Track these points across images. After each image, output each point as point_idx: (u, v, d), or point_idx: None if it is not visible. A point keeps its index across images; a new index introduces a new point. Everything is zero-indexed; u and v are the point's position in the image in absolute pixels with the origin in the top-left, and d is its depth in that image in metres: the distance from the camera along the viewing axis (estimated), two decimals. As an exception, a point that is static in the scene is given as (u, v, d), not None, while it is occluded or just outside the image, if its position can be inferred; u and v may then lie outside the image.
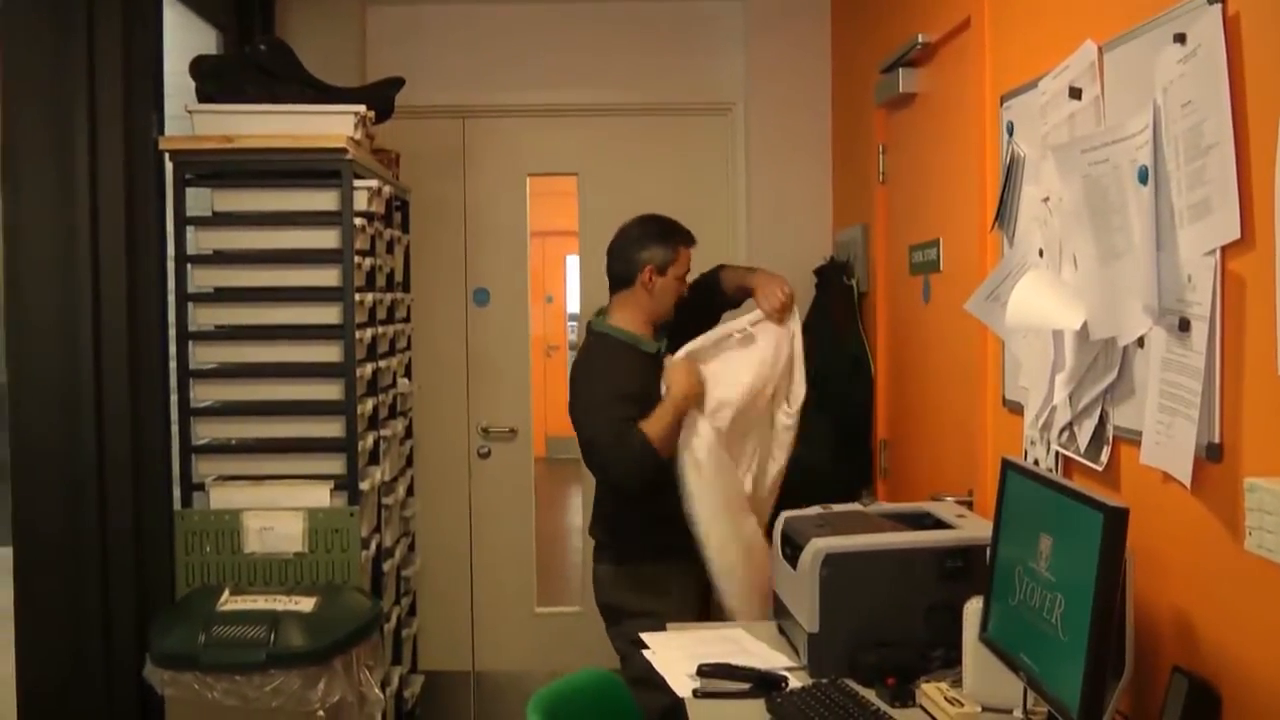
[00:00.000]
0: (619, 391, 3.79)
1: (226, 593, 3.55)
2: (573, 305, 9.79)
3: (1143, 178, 2.18)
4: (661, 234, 3.99)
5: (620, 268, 4.01)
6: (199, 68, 3.96)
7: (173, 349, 3.82)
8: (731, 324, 3.92)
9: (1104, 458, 2.47)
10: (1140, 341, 2.27)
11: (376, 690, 3.62)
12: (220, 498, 3.80)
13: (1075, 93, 2.55)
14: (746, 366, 3.86)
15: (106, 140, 3.55)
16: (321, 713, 3.37)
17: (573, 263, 5.93)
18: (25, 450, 3.46)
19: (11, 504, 3.43)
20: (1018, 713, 2.39)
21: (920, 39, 3.79)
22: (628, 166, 5.52)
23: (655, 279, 3.94)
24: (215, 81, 3.96)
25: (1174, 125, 2.10)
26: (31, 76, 3.42)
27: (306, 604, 3.48)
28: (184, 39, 4.26)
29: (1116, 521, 2.00)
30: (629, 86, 5.46)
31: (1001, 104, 3.09)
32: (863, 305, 4.59)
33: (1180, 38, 2.08)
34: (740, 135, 5.44)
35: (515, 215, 5.57)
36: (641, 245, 3.98)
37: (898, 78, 4.02)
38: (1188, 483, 2.09)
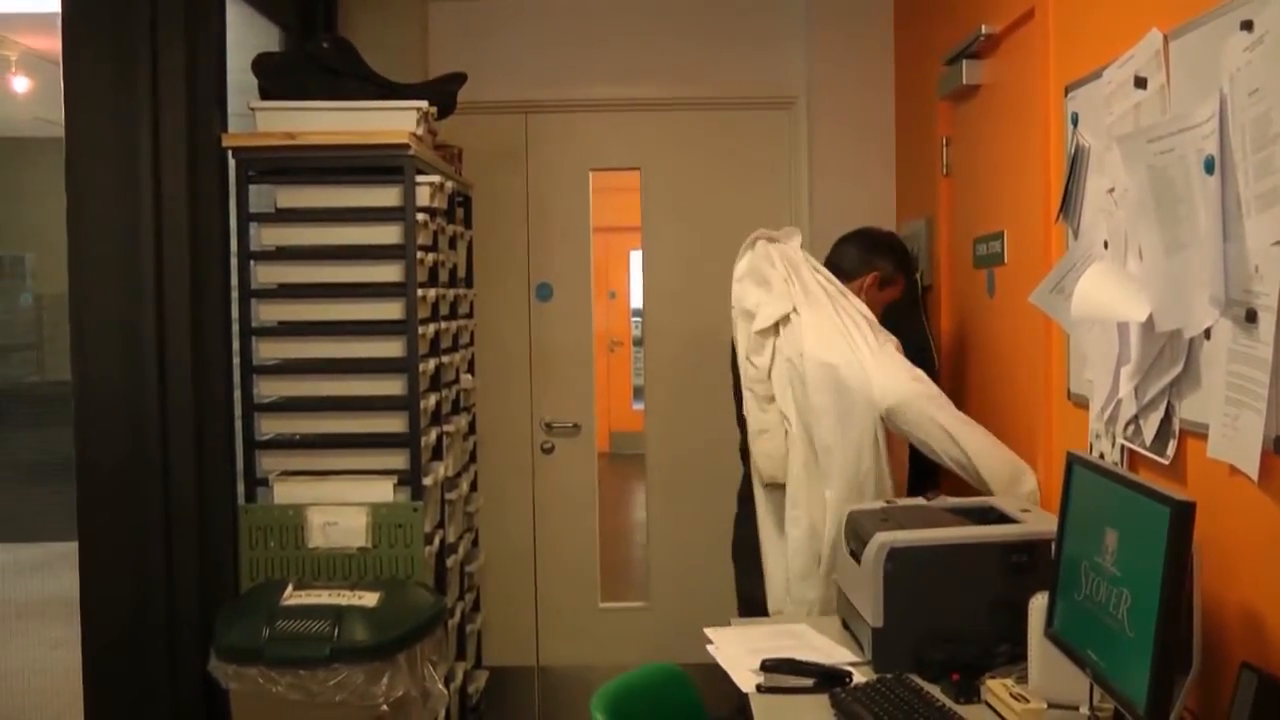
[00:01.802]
0: None
1: (290, 587, 3.56)
2: (636, 301, 9.78)
3: (1209, 167, 2.14)
4: (900, 253, 4.05)
5: (850, 259, 3.96)
6: (262, 65, 4.00)
7: (236, 345, 3.85)
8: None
9: (1170, 451, 2.44)
10: (1207, 333, 2.24)
11: (440, 685, 3.63)
12: (284, 493, 3.83)
13: (1140, 82, 2.51)
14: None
15: (170, 138, 3.57)
16: (385, 707, 3.38)
17: (636, 258, 5.93)
18: (90, 446, 3.48)
19: (76, 499, 3.46)
20: (1084, 709, 2.36)
21: (983, 30, 3.77)
22: (690, 161, 5.51)
23: (873, 288, 3.91)
24: (278, 79, 3.99)
25: (1241, 114, 2.06)
26: (95, 75, 3.45)
27: (370, 599, 3.49)
28: (246, 37, 4.30)
29: (1183, 516, 1.97)
30: (691, 80, 5.46)
31: (1066, 94, 3.06)
32: (926, 299, 4.56)
33: (1248, 25, 2.04)
34: (803, 129, 5.42)
35: (578, 210, 5.58)
36: (882, 253, 3.98)
37: (961, 69, 4.00)
38: (1255, 476, 2.05)
